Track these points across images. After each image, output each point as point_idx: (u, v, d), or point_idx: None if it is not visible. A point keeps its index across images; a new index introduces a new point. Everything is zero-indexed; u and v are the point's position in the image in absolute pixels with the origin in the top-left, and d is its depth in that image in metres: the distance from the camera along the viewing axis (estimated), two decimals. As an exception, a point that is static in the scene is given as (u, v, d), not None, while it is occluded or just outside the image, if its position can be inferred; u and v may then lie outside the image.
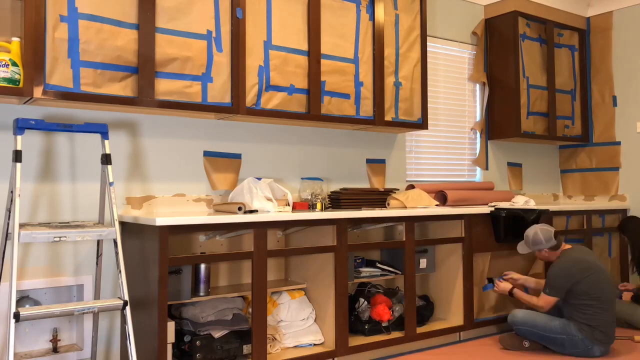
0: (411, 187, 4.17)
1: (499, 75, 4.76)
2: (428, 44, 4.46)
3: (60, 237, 2.39)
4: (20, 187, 2.75)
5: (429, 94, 4.43)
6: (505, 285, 3.72)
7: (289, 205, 3.30)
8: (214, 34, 3.09)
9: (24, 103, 2.81)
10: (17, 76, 2.55)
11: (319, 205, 3.55)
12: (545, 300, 3.50)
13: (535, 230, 3.61)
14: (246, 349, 2.99)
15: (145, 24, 2.86)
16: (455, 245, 3.88)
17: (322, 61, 3.50)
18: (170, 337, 2.76)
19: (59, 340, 2.91)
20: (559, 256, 3.57)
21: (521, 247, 3.72)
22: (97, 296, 2.87)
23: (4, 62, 2.52)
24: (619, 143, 5.09)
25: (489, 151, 4.89)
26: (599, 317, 3.38)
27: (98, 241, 2.86)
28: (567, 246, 3.63)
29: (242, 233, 3.18)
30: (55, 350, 2.87)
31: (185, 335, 2.93)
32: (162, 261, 2.65)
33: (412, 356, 3.52)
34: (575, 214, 4.63)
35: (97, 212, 3.02)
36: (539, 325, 3.49)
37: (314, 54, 3.45)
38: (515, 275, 3.86)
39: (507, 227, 3.96)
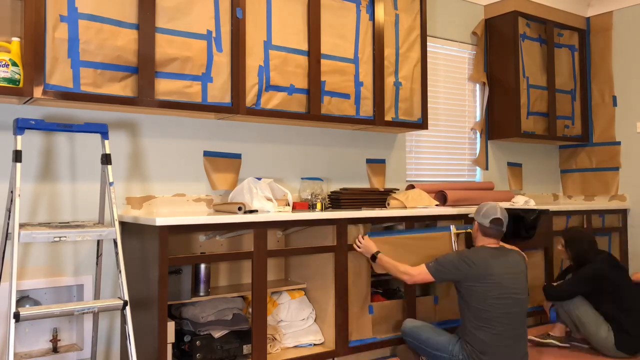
0: (411, 187, 4.17)
1: (499, 75, 4.76)
2: (428, 44, 4.46)
3: (60, 237, 2.39)
4: (20, 187, 2.75)
5: (429, 94, 4.43)
6: (368, 244, 3.07)
7: (289, 205, 3.30)
8: (214, 34, 3.09)
9: (24, 103, 2.81)
10: (17, 76, 2.55)
11: (319, 205, 3.55)
12: (419, 270, 2.95)
13: (491, 204, 3.09)
14: (246, 349, 2.99)
15: (145, 24, 2.86)
16: (455, 245, 3.88)
17: (322, 61, 3.50)
18: (170, 337, 2.76)
19: (59, 340, 2.91)
20: (473, 245, 3.03)
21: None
22: (97, 296, 2.87)
23: (4, 62, 2.52)
24: (619, 143, 5.09)
25: (489, 151, 4.89)
26: (488, 336, 2.83)
27: (98, 241, 2.86)
28: (494, 244, 3.04)
29: (242, 233, 3.18)
30: (55, 350, 2.87)
31: (185, 335, 2.93)
32: (162, 261, 2.65)
33: (412, 356, 3.52)
34: (575, 214, 4.62)
35: (97, 212, 3.01)
36: (422, 339, 3.04)
37: (314, 54, 3.45)
38: None
39: (507, 227, 3.94)
